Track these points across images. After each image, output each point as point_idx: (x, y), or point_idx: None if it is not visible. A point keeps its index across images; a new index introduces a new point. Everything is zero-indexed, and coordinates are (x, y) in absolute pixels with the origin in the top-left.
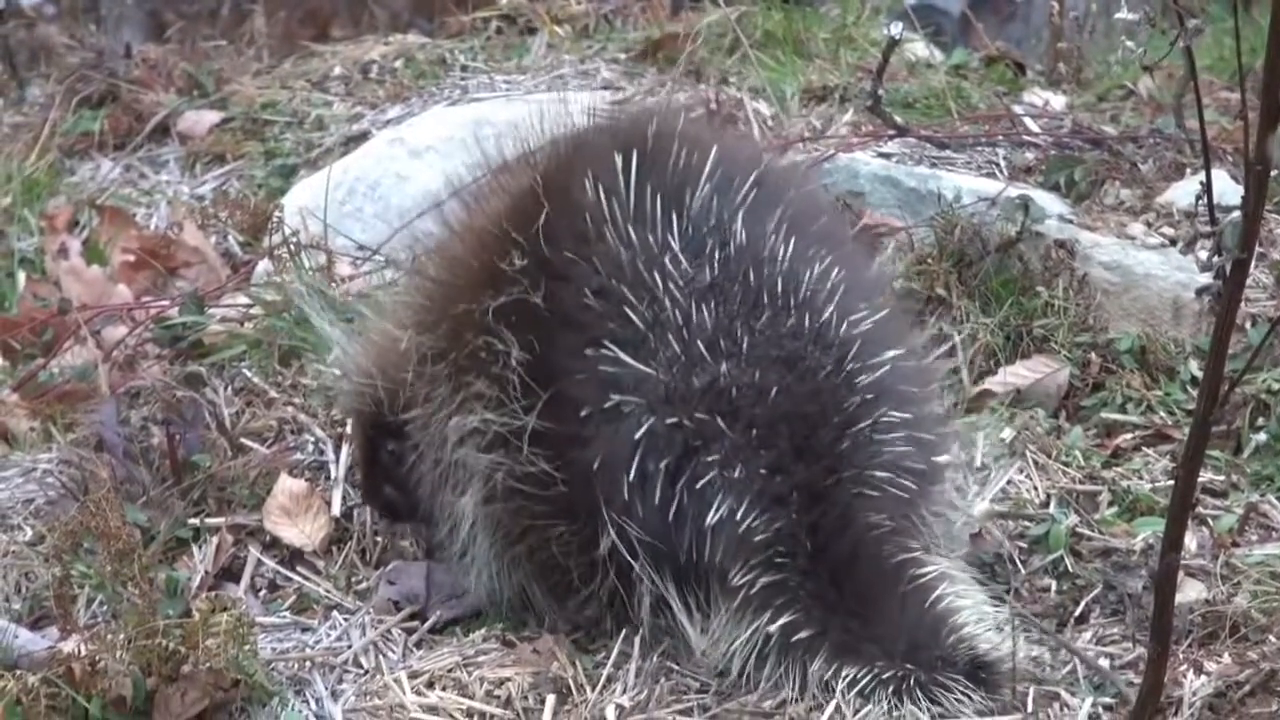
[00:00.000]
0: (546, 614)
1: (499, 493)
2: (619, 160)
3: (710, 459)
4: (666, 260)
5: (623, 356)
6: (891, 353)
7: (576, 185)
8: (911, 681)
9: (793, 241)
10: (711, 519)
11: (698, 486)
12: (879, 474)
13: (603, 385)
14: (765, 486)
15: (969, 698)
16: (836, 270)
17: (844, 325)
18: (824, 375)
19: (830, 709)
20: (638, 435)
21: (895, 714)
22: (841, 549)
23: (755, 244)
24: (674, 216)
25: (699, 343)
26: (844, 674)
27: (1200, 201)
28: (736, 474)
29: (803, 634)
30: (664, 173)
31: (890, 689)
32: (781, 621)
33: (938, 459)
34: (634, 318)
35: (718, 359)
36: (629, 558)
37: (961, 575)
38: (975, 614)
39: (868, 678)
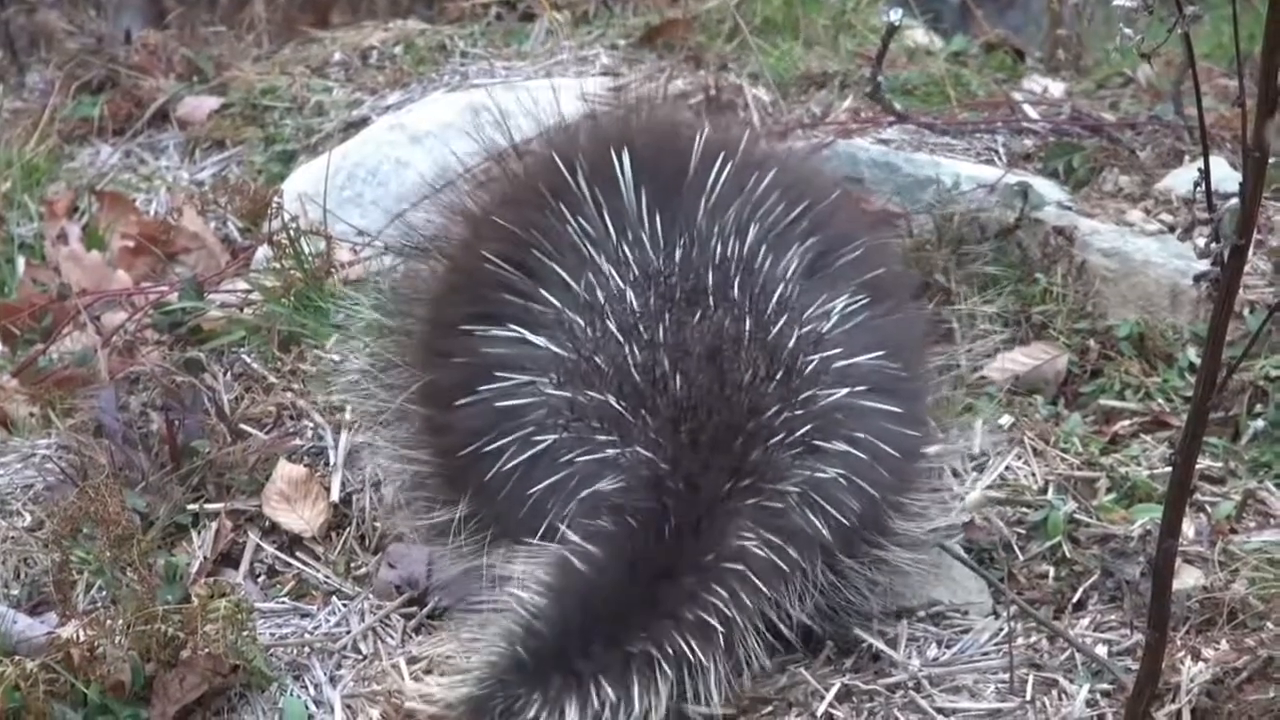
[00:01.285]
0: None
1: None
2: (606, 151)
3: (601, 438)
4: (616, 241)
5: (523, 334)
6: (858, 390)
7: (549, 166)
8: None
9: (766, 236)
10: (584, 493)
11: (575, 460)
12: (789, 495)
13: (486, 364)
14: (649, 471)
15: None
16: (820, 270)
17: (795, 333)
18: (750, 379)
19: (824, 704)
20: (518, 410)
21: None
22: (688, 539)
23: (717, 237)
24: (642, 204)
25: (614, 325)
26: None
27: (1199, 188)
28: (624, 455)
29: (581, 567)
30: (646, 163)
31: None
32: (579, 548)
33: (888, 504)
34: (549, 295)
35: (631, 343)
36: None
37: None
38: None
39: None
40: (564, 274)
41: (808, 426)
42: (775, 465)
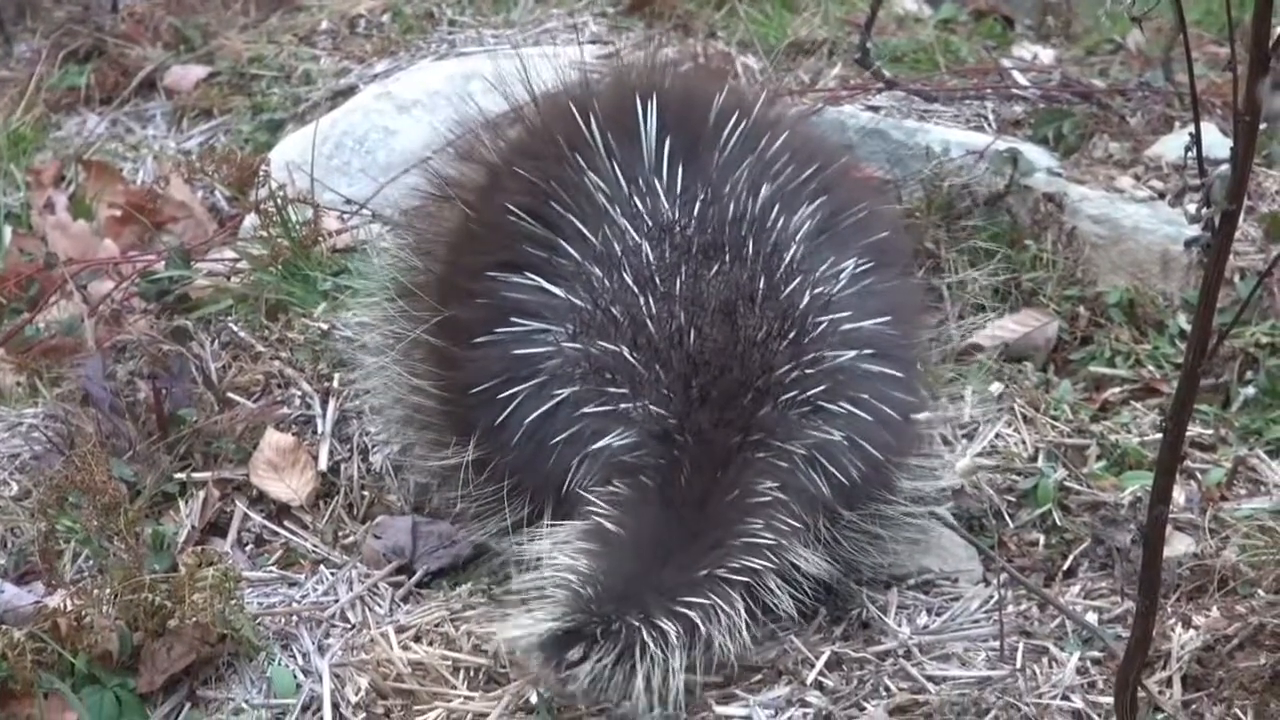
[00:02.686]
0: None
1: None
2: (627, 102)
3: (614, 390)
4: (633, 195)
5: (541, 283)
6: (863, 353)
7: (567, 116)
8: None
9: (778, 195)
10: (593, 447)
11: (587, 413)
12: (796, 451)
13: (504, 308)
14: (660, 425)
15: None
16: (829, 231)
17: (807, 294)
18: (763, 336)
19: (814, 672)
20: (534, 357)
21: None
22: (705, 495)
23: (735, 193)
24: (657, 157)
25: (630, 277)
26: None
27: (1189, 154)
28: (635, 409)
29: (616, 530)
30: (664, 117)
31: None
32: (607, 515)
33: (893, 464)
34: (568, 246)
35: (646, 294)
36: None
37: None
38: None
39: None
40: (581, 226)
41: (816, 387)
42: (784, 423)
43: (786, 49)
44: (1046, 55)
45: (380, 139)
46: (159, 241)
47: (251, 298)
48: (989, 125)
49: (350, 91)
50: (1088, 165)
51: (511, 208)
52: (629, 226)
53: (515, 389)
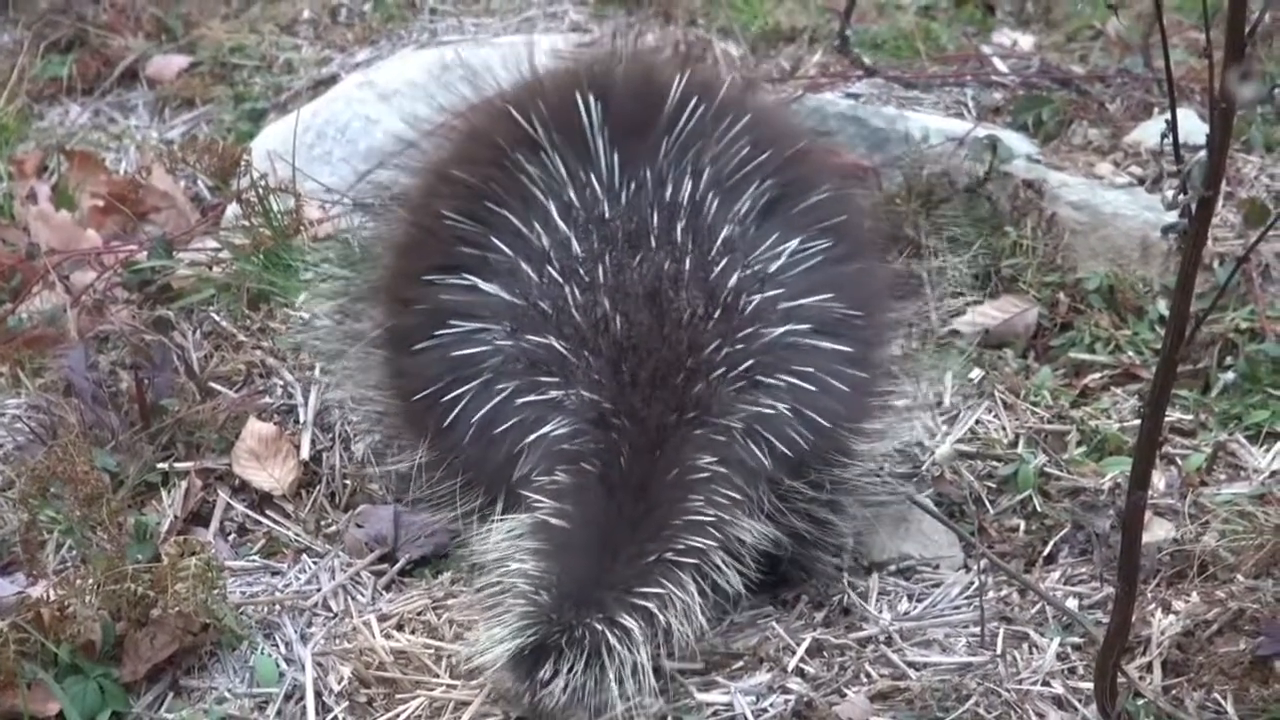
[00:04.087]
0: None
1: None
2: (570, 96)
3: (547, 379)
4: (569, 189)
5: (476, 282)
6: (803, 328)
7: (506, 118)
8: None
9: (721, 179)
10: (532, 437)
11: (525, 404)
12: (734, 425)
13: (442, 312)
14: (595, 411)
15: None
16: (778, 213)
17: (736, 273)
18: (690, 318)
19: (795, 659)
20: (475, 357)
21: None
22: (645, 477)
23: (671, 180)
24: (597, 148)
25: (556, 269)
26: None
27: (1167, 140)
28: (568, 397)
29: (562, 525)
30: (613, 107)
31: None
32: (551, 508)
33: (840, 427)
34: (502, 244)
35: (570, 285)
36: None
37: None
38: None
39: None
40: (517, 222)
41: (749, 362)
42: (719, 399)
43: (766, 36)
44: (1026, 42)
45: (362, 128)
46: (141, 231)
47: (234, 287)
48: (969, 112)
49: (332, 80)
50: (1067, 151)
51: (447, 213)
52: (560, 221)
53: (459, 390)
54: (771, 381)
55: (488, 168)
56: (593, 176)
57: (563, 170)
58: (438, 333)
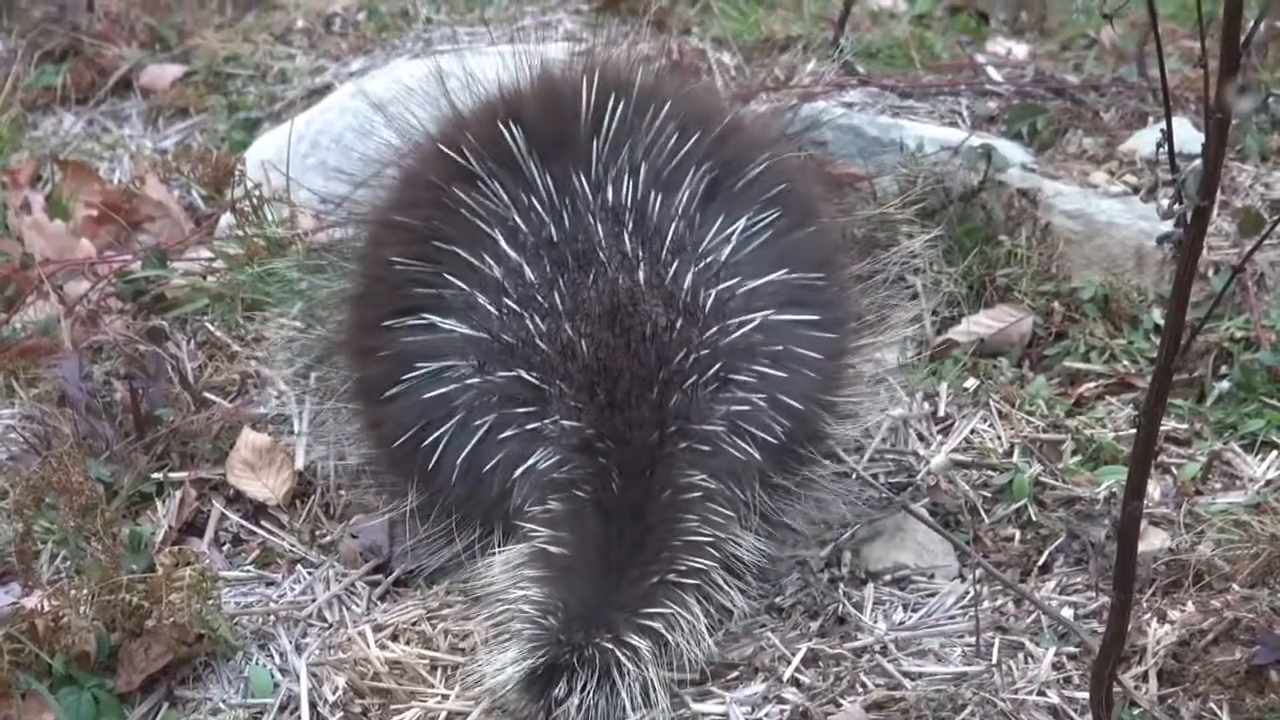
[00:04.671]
0: None
1: None
2: (492, 124)
3: (524, 410)
4: (514, 214)
5: (435, 320)
6: (766, 313)
7: (438, 156)
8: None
9: (658, 173)
10: (519, 470)
11: (507, 438)
12: (717, 431)
13: (406, 355)
14: (578, 438)
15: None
16: (719, 195)
17: (690, 273)
18: (655, 331)
19: (790, 669)
20: (447, 396)
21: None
22: (640, 501)
23: (609, 186)
24: (531, 171)
25: (513, 300)
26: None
27: (1162, 149)
28: (547, 427)
29: (561, 551)
30: (532, 126)
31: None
32: (548, 537)
33: (815, 426)
34: (455, 279)
35: (531, 313)
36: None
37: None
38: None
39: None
40: (467, 255)
41: (719, 362)
42: (697, 406)
43: (761, 45)
44: (1021, 50)
45: (356, 137)
46: (135, 241)
47: (228, 297)
48: (963, 121)
49: (326, 90)
50: (1062, 161)
51: (396, 258)
52: (508, 248)
53: (437, 432)
54: (743, 377)
55: (428, 208)
56: (533, 199)
57: (504, 196)
58: (405, 377)
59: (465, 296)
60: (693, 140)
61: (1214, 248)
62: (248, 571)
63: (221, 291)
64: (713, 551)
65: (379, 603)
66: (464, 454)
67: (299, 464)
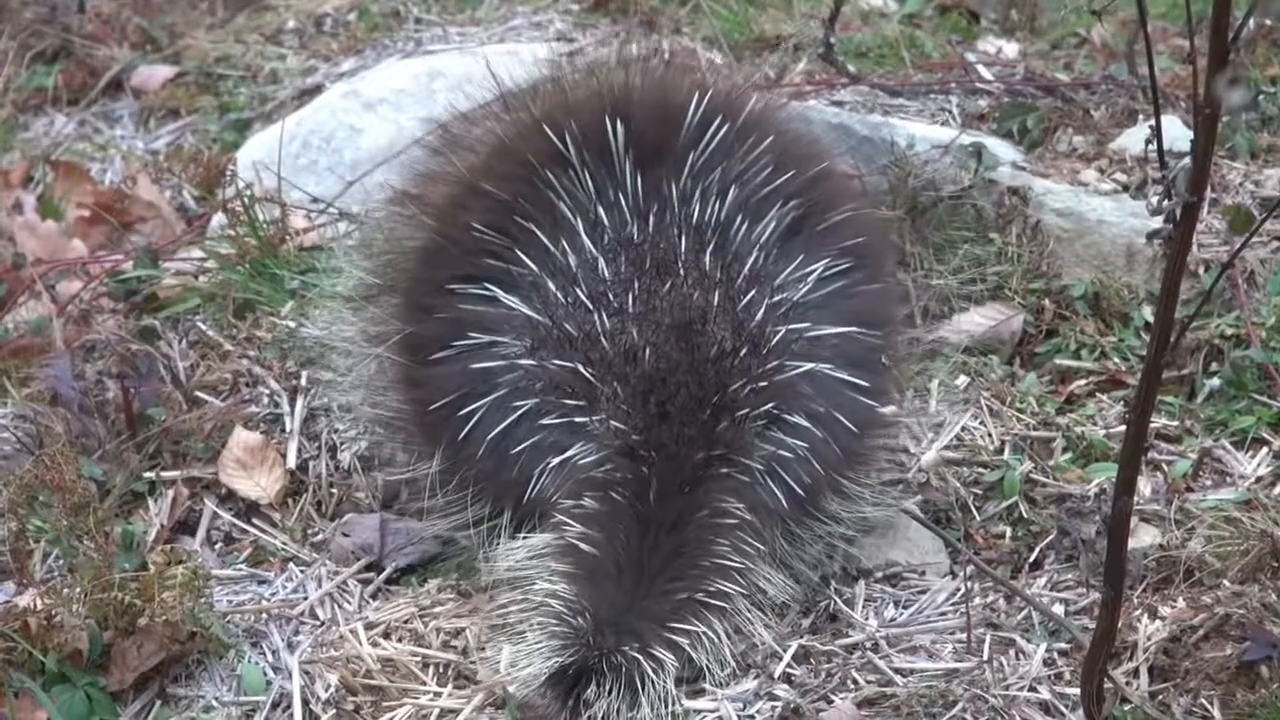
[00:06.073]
0: None
1: None
2: (599, 115)
3: (571, 403)
4: (599, 208)
5: (498, 293)
6: (825, 366)
7: (539, 134)
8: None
9: (746, 200)
10: (555, 460)
11: (547, 426)
12: (755, 465)
13: (462, 322)
14: (623, 440)
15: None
16: (802, 233)
17: (764, 304)
18: (718, 352)
19: (781, 665)
20: (492, 371)
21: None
22: (677, 515)
23: (696, 201)
24: (624, 169)
25: (584, 292)
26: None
27: (1151, 147)
28: (593, 424)
29: (592, 551)
30: (637, 125)
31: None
32: (580, 533)
33: (849, 473)
34: (527, 258)
35: (600, 310)
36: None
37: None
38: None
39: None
40: (544, 238)
41: (772, 401)
42: (743, 438)
43: (751, 44)
44: (1011, 49)
45: (347, 137)
46: (127, 241)
47: (219, 296)
48: (954, 119)
49: (317, 90)
50: (1052, 159)
51: (474, 224)
52: (588, 241)
53: (475, 404)
54: (791, 420)
55: (518, 183)
56: (620, 197)
57: (593, 188)
58: (456, 343)
59: (534, 278)
60: (786, 176)
61: (1204, 245)
62: (240, 570)
63: (213, 291)
64: (739, 579)
65: (371, 600)
66: (495, 431)
67: (290, 462)
